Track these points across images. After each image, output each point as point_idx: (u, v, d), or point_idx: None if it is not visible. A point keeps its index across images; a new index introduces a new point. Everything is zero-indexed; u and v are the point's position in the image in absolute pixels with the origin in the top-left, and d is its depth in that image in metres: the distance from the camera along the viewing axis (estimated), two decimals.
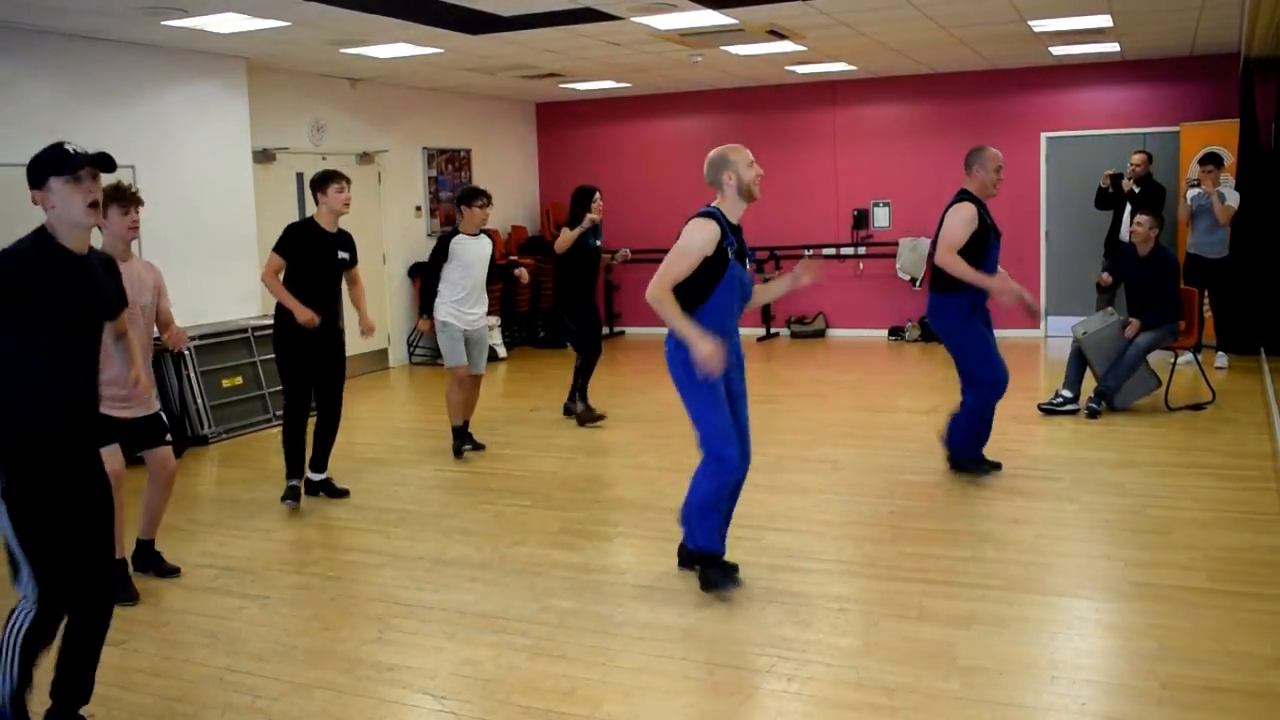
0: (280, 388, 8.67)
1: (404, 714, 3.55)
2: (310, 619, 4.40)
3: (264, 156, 9.66)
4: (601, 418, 7.99)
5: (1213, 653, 3.75)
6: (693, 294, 4.23)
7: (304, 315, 5.77)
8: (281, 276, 5.87)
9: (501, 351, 11.68)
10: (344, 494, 6.26)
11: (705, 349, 4.08)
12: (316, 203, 5.93)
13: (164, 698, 3.70)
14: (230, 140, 8.97)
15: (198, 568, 5.15)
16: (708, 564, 4.51)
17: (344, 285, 6.21)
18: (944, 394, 8.47)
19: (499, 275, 7.73)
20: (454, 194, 7.22)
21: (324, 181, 5.89)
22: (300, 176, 10.18)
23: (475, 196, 7.08)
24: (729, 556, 4.55)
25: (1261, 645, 3.79)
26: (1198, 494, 5.70)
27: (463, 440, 7.22)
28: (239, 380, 8.48)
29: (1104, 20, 8.56)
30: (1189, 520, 5.25)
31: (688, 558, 4.70)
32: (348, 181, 5.94)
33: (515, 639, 4.09)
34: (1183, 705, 3.37)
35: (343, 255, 6.00)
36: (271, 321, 7.13)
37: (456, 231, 7.09)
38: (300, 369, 6.00)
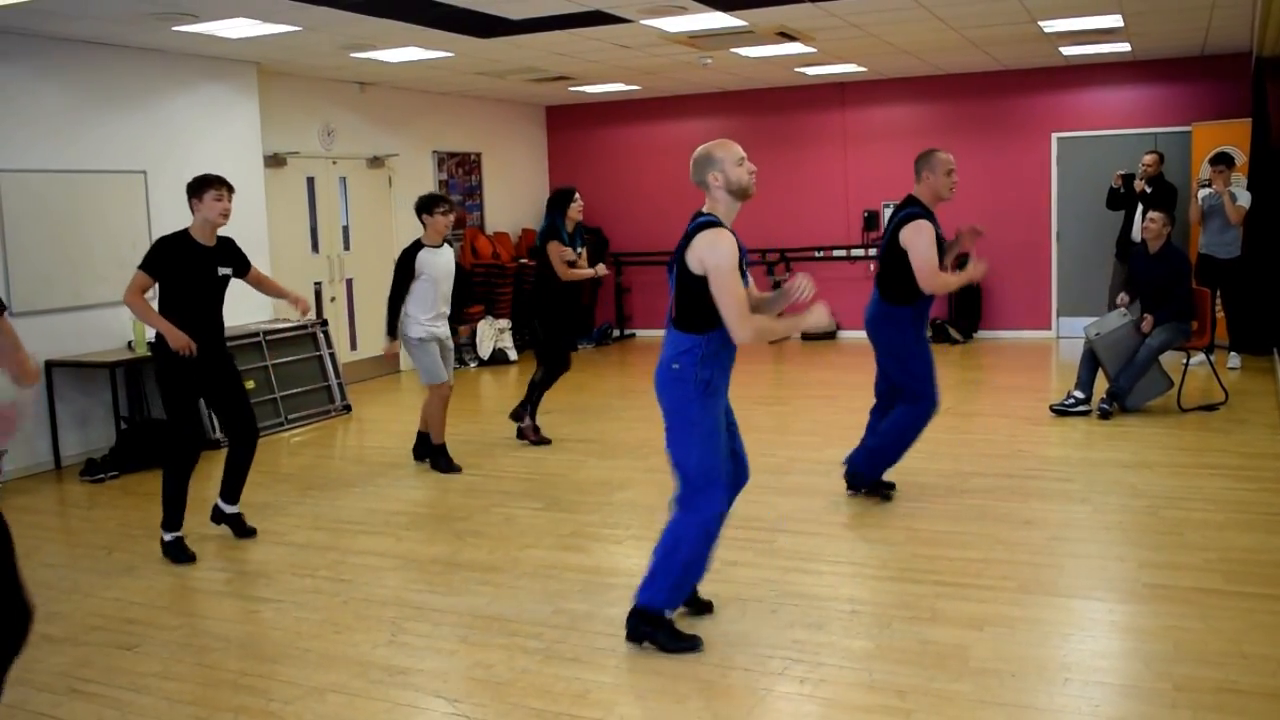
0: (289, 392, 8.95)
1: (416, 717, 3.55)
2: (323, 622, 4.41)
3: (275, 161, 9.69)
4: (548, 442, 7.45)
5: (1227, 654, 3.73)
6: (711, 312, 3.75)
7: (178, 341, 5.09)
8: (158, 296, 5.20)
9: (512, 355, 11.69)
10: (251, 533, 5.60)
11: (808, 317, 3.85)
12: (193, 211, 5.22)
13: (177, 701, 3.71)
14: (241, 145, 9.00)
15: (210, 571, 5.17)
16: (655, 625, 3.96)
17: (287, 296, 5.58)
18: (955, 394, 8.46)
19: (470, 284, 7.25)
20: (418, 200, 6.77)
21: (199, 188, 5.17)
22: (311, 181, 10.24)
23: (437, 203, 6.61)
24: (741, 560, 4.52)
25: (1277, 647, 3.77)
26: (1211, 495, 5.67)
27: (448, 457, 6.87)
28: (251, 384, 8.47)
29: (1115, 20, 8.54)
30: (1203, 521, 5.23)
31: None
32: (228, 189, 5.24)
33: (528, 642, 4.09)
34: (1197, 708, 3.35)
35: (224, 271, 5.37)
36: (271, 326, 7.16)
37: (420, 244, 6.62)
38: (191, 399, 5.31)
